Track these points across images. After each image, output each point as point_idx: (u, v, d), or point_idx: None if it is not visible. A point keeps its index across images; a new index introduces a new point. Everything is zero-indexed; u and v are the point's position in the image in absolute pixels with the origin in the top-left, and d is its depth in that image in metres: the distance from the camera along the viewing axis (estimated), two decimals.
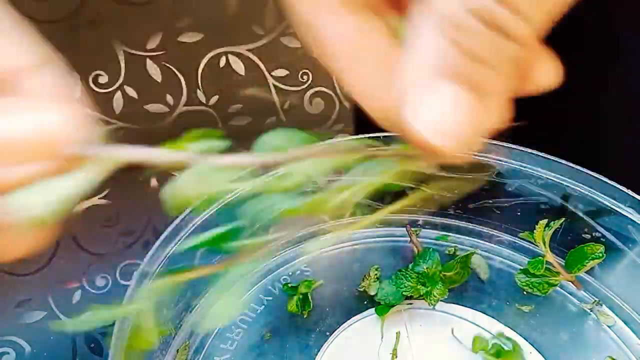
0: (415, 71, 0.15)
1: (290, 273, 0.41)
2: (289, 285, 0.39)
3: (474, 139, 0.15)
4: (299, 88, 0.44)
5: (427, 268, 0.38)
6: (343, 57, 0.18)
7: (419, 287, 0.37)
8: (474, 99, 0.15)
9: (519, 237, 0.42)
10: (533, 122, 0.48)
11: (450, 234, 0.43)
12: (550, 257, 0.37)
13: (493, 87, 0.15)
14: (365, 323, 0.37)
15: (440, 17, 0.14)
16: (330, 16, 0.18)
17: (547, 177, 0.39)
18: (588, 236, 0.38)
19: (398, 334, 0.36)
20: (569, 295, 0.39)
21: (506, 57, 0.14)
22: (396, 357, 0.35)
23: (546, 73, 0.18)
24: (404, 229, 0.43)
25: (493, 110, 0.15)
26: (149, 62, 0.38)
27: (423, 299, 0.37)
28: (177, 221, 0.35)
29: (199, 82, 0.40)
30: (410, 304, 0.38)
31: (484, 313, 0.38)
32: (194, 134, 0.18)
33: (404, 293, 0.37)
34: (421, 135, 0.15)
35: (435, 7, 0.14)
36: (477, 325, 0.37)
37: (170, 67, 0.38)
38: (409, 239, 0.42)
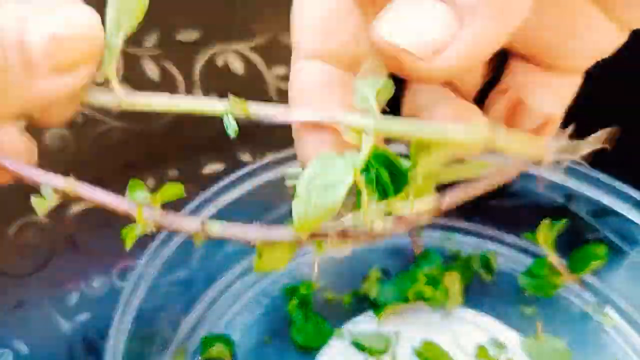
0: None
1: (289, 274, 0.41)
2: (289, 287, 0.39)
3: (450, 54, 0.15)
4: None
5: (429, 269, 0.37)
6: None
7: (421, 289, 0.37)
8: (449, 13, 0.14)
9: (522, 238, 0.42)
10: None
11: (452, 234, 0.43)
12: (554, 258, 0.37)
13: (471, 9, 0.14)
14: (365, 325, 0.37)
15: None
16: None
17: (550, 178, 0.38)
18: (591, 237, 0.38)
19: (397, 334, 0.36)
20: (572, 296, 0.39)
21: None
22: (394, 358, 0.35)
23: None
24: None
25: (470, 32, 0.15)
26: (146, 60, 0.37)
27: (425, 300, 0.37)
28: None
29: (197, 80, 0.40)
30: (412, 305, 0.38)
31: (487, 314, 0.37)
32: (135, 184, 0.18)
33: (406, 295, 0.37)
34: (384, 39, 0.15)
35: None
36: (479, 327, 0.37)
37: (168, 65, 0.38)
38: (409, 239, 0.42)
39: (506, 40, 0.15)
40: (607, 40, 0.19)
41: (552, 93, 0.20)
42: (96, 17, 0.15)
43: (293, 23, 0.20)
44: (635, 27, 0.19)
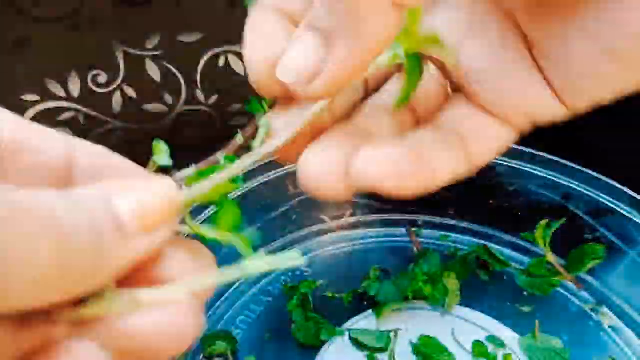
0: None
1: (290, 273, 0.41)
2: (289, 285, 0.39)
3: (323, 79, 0.17)
4: None
5: (428, 269, 0.38)
6: None
7: (420, 287, 0.37)
8: (320, 44, 0.17)
9: (519, 238, 0.42)
10: None
11: (450, 234, 0.43)
12: (551, 257, 0.37)
13: (335, 33, 0.17)
14: (365, 324, 0.37)
15: None
16: None
17: (548, 177, 0.39)
18: (589, 236, 0.38)
19: (396, 333, 0.36)
20: (569, 295, 0.39)
21: (344, 12, 0.16)
22: (393, 357, 0.35)
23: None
24: (404, 229, 0.43)
25: (338, 54, 0.17)
26: (148, 61, 0.37)
27: (424, 299, 0.37)
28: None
29: (198, 81, 0.40)
30: (411, 304, 0.38)
31: (485, 313, 0.37)
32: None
33: (405, 294, 0.37)
34: (280, 78, 0.18)
35: None
36: (477, 325, 0.37)
37: (170, 66, 0.38)
38: (409, 239, 0.42)
39: (368, 65, 0.18)
40: (542, 110, 0.20)
41: (486, 137, 0.21)
42: (169, 181, 0.17)
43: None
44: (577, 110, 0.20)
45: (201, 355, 0.36)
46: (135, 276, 0.16)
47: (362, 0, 0.16)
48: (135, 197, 0.15)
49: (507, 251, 0.42)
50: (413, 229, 0.41)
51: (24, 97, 0.35)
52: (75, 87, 0.36)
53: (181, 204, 0.17)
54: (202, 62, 0.40)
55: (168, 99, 0.39)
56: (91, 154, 0.18)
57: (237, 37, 0.40)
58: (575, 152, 0.38)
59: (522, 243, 0.42)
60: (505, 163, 0.39)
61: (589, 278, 0.39)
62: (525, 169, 0.39)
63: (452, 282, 0.38)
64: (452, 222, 0.44)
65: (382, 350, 0.35)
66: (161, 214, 0.16)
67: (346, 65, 0.17)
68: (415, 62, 0.20)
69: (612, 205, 0.37)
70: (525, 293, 0.38)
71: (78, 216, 0.14)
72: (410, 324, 0.37)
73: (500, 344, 0.35)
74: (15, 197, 0.13)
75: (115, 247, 0.15)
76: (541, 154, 0.38)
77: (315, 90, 0.18)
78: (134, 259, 0.15)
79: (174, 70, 0.39)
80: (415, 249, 0.40)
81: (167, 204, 0.16)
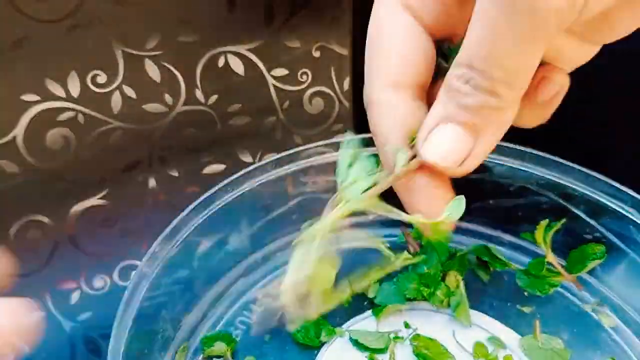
0: (429, 118, 0.23)
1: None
2: None
3: (470, 161, 0.22)
4: (298, 88, 0.43)
5: (427, 269, 0.38)
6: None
7: (421, 288, 0.37)
8: (468, 134, 0.22)
9: (519, 238, 0.42)
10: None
11: (450, 234, 0.43)
12: (551, 257, 0.37)
13: (484, 127, 0.22)
14: (365, 324, 0.37)
15: (446, 83, 0.22)
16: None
17: (548, 177, 0.38)
18: (589, 236, 0.38)
19: (396, 334, 0.36)
20: (570, 296, 0.39)
21: (489, 108, 0.21)
22: (394, 358, 0.35)
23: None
24: (403, 229, 0.43)
25: (483, 143, 0.22)
26: (147, 61, 0.37)
27: (424, 300, 0.37)
28: (175, 221, 0.35)
29: (198, 82, 0.40)
30: (411, 305, 0.38)
31: (485, 314, 0.37)
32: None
33: (406, 295, 0.37)
34: (426, 159, 0.23)
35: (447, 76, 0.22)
36: (478, 326, 0.37)
37: (169, 66, 0.38)
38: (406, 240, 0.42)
39: None
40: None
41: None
42: (24, 305, 0.17)
43: (373, 53, 0.26)
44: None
45: (200, 356, 0.36)
46: None
47: (505, 100, 0.20)
48: None
49: (507, 251, 0.42)
50: (410, 230, 0.41)
51: (23, 97, 0.35)
52: (74, 87, 0.36)
53: (33, 328, 0.16)
54: (201, 63, 0.40)
55: (168, 99, 0.39)
56: None
57: (237, 37, 0.40)
58: (575, 152, 0.38)
59: (522, 243, 0.42)
60: (505, 163, 0.39)
61: (589, 278, 0.39)
62: (525, 169, 0.39)
63: (451, 283, 0.38)
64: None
65: (382, 351, 0.35)
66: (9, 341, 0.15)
67: (488, 151, 0.22)
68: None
69: (613, 205, 0.37)
70: (525, 293, 0.38)
71: None
72: (410, 325, 0.37)
73: (501, 345, 0.35)
74: None
75: None
76: (541, 154, 0.38)
77: (465, 171, 0.23)
78: None
79: (173, 70, 0.39)
80: (412, 250, 0.40)
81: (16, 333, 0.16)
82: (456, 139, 0.22)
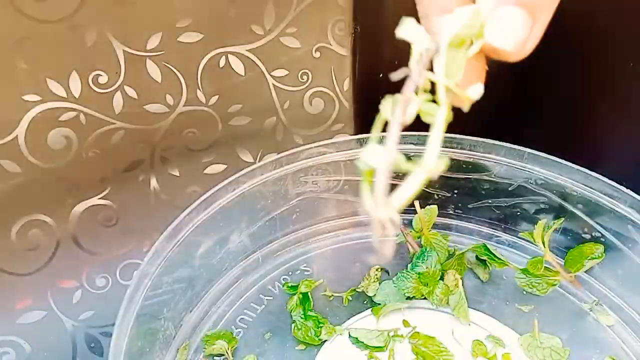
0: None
1: (290, 273, 0.41)
2: (289, 284, 0.39)
3: (532, 43, 0.22)
4: (298, 88, 0.44)
5: (427, 268, 0.38)
6: None
7: (420, 287, 0.37)
8: (528, 16, 0.22)
9: (518, 237, 0.42)
10: (534, 122, 0.48)
11: (450, 233, 0.43)
12: (550, 256, 0.37)
13: (540, 7, 0.22)
14: (365, 323, 0.37)
15: None
16: None
17: (547, 177, 0.39)
18: (587, 236, 0.39)
19: (395, 332, 0.36)
20: (568, 295, 0.39)
21: None
22: (393, 357, 0.35)
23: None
24: (403, 228, 0.43)
25: (540, 23, 0.22)
26: (148, 62, 0.38)
27: (424, 299, 0.38)
28: (177, 221, 0.35)
29: (199, 82, 0.40)
30: (410, 303, 0.38)
31: (484, 313, 0.38)
32: None
33: (405, 294, 0.37)
34: (490, 43, 0.22)
35: None
36: (477, 325, 0.37)
37: (170, 67, 0.38)
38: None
39: None
40: None
41: None
42: None
43: None
44: None
45: (201, 355, 0.36)
46: None
47: None
48: None
49: (506, 250, 0.42)
50: (410, 230, 0.41)
51: (25, 98, 0.35)
52: (76, 88, 0.36)
53: None
54: (202, 63, 0.40)
55: (169, 99, 0.39)
56: None
57: (237, 37, 0.40)
58: (574, 152, 0.39)
59: (521, 242, 0.42)
60: (505, 163, 0.39)
61: (587, 277, 0.39)
62: (525, 168, 0.39)
63: (450, 282, 0.38)
64: (452, 221, 0.44)
65: (381, 349, 0.35)
66: None
67: (543, 30, 0.22)
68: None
69: (611, 205, 0.37)
70: (524, 292, 0.38)
71: None
72: (409, 323, 0.37)
73: (500, 343, 0.36)
74: None
75: None
76: (541, 154, 0.39)
77: (527, 52, 0.22)
78: None
79: (174, 70, 0.39)
80: (411, 249, 0.40)
81: None
82: (519, 21, 0.22)
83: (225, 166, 0.44)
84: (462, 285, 0.38)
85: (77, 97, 0.36)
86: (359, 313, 0.38)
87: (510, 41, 0.22)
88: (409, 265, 0.38)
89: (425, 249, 0.38)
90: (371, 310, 0.38)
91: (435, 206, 0.41)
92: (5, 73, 0.34)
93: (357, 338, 0.36)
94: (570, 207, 0.38)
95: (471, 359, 0.35)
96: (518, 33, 0.22)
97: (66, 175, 0.38)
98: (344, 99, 0.45)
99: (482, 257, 0.40)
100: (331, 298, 0.39)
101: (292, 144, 0.45)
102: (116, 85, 0.37)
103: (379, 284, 0.39)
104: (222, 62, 0.40)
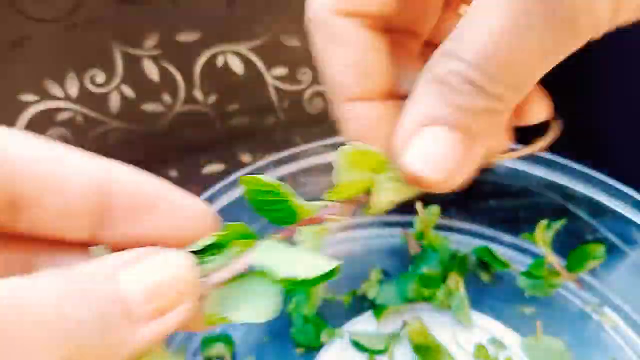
0: (409, 118, 0.19)
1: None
2: (290, 286, 0.39)
3: (461, 172, 0.18)
4: (298, 88, 0.43)
5: (428, 270, 0.37)
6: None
7: (421, 289, 0.37)
8: (459, 139, 0.18)
9: (520, 238, 0.42)
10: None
11: (451, 234, 0.43)
12: (552, 258, 0.37)
13: (478, 130, 0.18)
14: (365, 325, 0.37)
15: (433, 77, 0.18)
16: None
17: (548, 177, 0.38)
18: (589, 237, 0.38)
19: (396, 335, 0.36)
20: (571, 296, 0.39)
21: (489, 112, 0.18)
22: (393, 358, 0.35)
23: (537, 111, 0.22)
24: (404, 229, 0.43)
25: (480, 147, 0.18)
26: (146, 61, 0.37)
27: (424, 301, 0.37)
28: None
29: (197, 81, 0.40)
30: (411, 306, 0.38)
31: (486, 314, 0.37)
32: None
33: (405, 295, 0.37)
34: (409, 169, 0.18)
35: (431, 68, 0.18)
36: (478, 327, 0.37)
37: (168, 66, 0.38)
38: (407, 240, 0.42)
39: None
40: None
41: None
42: (185, 256, 0.15)
43: (324, 71, 0.22)
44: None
45: (200, 358, 0.36)
46: None
47: (508, 105, 0.18)
48: (146, 276, 0.14)
49: (508, 252, 0.42)
50: (411, 231, 0.41)
51: (22, 98, 0.34)
52: (73, 87, 0.36)
53: (197, 282, 0.15)
54: (200, 62, 0.39)
55: (166, 98, 0.39)
56: (125, 181, 0.17)
57: (236, 36, 0.40)
58: (576, 152, 0.38)
59: (522, 244, 0.42)
60: (507, 164, 0.39)
61: (589, 278, 0.39)
62: (525, 169, 0.39)
63: (452, 283, 0.37)
64: (452, 223, 0.44)
65: (382, 352, 0.35)
66: (176, 293, 0.14)
67: (478, 162, 0.19)
68: None
69: (613, 206, 0.36)
70: (526, 294, 0.38)
71: (84, 310, 0.12)
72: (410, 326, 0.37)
73: (502, 346, 0.35)
74: (15, 293, 0.12)
75: (124, 337, 0.13)
76: (541, 154, 0.38)
77: (455, 185, 0.19)
78: (147, 344, 0.14)
79: (172, 70, 0.39)
80: (412, 251, 0.40)
81: (182, 282, 0.15)
82: (448, 144, 0.18)
83: (224, 166, 0.44)
84: (464, 287, 0.37)
85: (74, 97, 0.36)
86: (359, 316, 0.38)
87: (433, 169, 0.18)
88: (410, 267, 0.38)
89: (427, 251, 0.38)
90: (372, 313, 0.38)
91: (437, 207, 0.40)
92: (2, 73, 0.34)
93: (357, 341, 0.35)
94: (572, 208, 0.38)
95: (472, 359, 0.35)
96: (445, 159, 0.18)
97: None
98: None
99: (483, 259, 0.40)
100: (331, 300, 0.39)
101: (292, 144, 0.45)
102: (113, 85, 0.37)
103: (380, 286, 0.39)
104: (221, 61, 0.40)
